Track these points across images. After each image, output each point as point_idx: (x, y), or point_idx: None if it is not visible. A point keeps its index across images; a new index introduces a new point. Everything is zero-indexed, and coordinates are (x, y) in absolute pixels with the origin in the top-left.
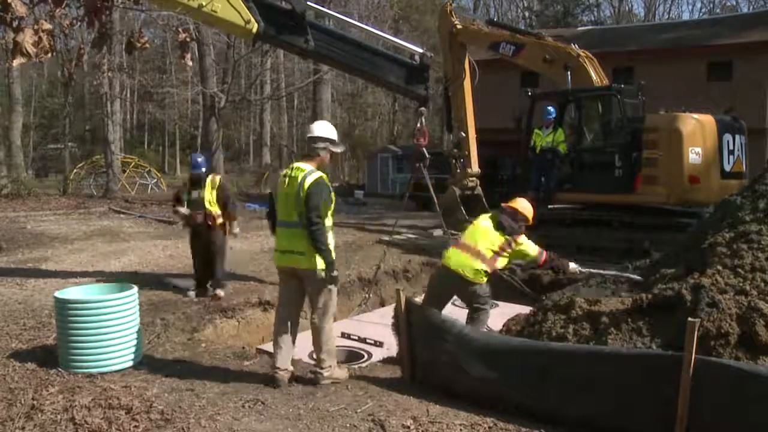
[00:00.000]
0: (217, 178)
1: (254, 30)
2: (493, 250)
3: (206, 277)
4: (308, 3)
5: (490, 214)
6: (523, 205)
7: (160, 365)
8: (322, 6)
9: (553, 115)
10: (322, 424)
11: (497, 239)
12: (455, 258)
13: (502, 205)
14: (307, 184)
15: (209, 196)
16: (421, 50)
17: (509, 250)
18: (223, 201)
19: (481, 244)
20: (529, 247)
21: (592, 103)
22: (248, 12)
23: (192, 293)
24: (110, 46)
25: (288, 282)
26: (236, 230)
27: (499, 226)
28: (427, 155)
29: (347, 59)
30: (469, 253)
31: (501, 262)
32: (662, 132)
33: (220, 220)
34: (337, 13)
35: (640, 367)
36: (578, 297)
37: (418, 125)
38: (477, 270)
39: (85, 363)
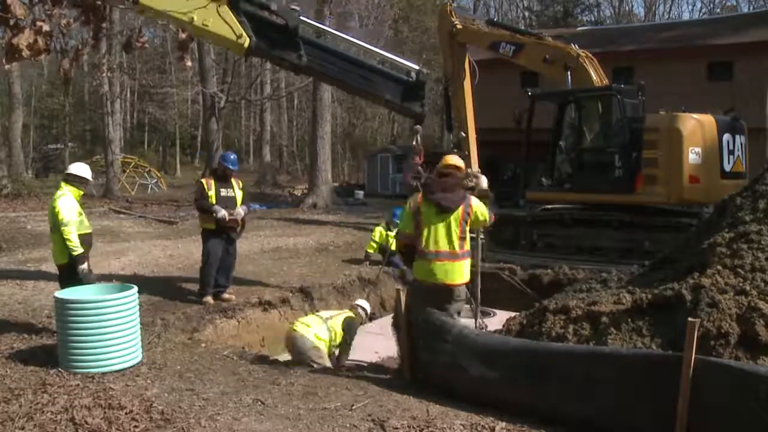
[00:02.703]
0: (240, 182)
1: (246, 45)
2: (458, 240)
3: (222, 280)
4: (302, 18)
5: (421, 202)
6: (452, 161)
7: (160, 365)
8: (323, 7)
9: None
10: (322, 424)
11: (453, 226)
12: (435, 269)
13: (430, 178)
14: None
15: (240, 196)
16: (416, 67)
17: (467, 227)
18: (245, 202)
19: (448, 243)
20: (481, 208)
21: (592, 103)
22: (240, 27)
23: (210, 298)
24: (110, 46)
25: None
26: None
27: (442, 210)
28: (423, 174)
29: (341, 75)
30: (444, 259)
31: (467, 243)
32: (662, 132)
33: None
34: (337, 14)
35: (640, 367)
36: (575, 298)
37: (414, 143)
38: (462, 272)
39: (85, 363)
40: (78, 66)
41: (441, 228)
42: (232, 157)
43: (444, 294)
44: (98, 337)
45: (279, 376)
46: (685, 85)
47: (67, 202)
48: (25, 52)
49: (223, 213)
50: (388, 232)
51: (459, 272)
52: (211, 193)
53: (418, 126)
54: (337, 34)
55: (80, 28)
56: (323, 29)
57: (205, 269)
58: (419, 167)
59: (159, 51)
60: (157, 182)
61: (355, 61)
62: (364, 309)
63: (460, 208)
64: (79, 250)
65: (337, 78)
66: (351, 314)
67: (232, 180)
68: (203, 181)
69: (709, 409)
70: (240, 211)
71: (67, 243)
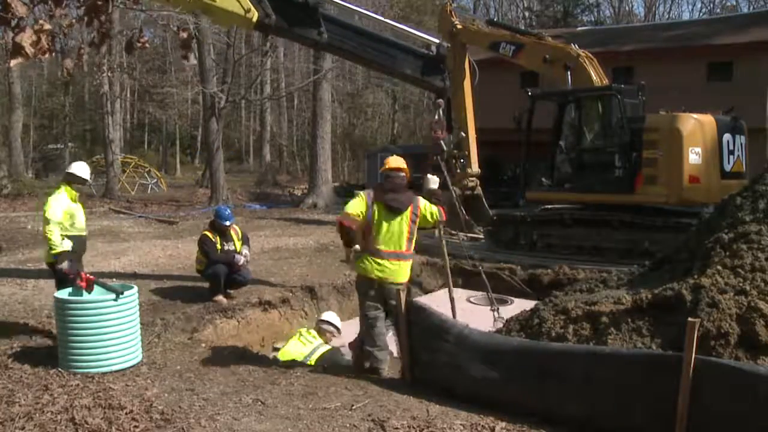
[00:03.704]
0: (238, 228)
1: (254, 19)
2: (405, 242)
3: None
4: None
5: (374, 200)
6: (394, 164)
7: (160, 365)
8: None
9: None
10: (322, 424)
11: (402, 227)
12: (381, 267)
13: (378, 187)
14: None
15: (239, 247)
16: (437, 40)
17: (415, 227)
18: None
19: (396, 244)
20: (429, 208)
21: (592, 103)
22: (248, 1)
23: (221, 297)
24: (110, 46)
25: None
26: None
27: (392, 212)
28: (445, 147)
29: (362, 51)
30: (391, 259)
31: (413, 244)
32: (662, 132)
33: None
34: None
35: (640, 367)
36: (576, 297)
37: (436, 117)
38: (405, 272)
39: (85, 363)
40: (80, 65)
41: (390, 229)
42: (226, 212)
43: (387, 292)
44: (98, 337)
45: (279, 376)
46: (685, 85)
47: (58, 200)
48: (30, 50)
49: (243, 261)
50: None
51: (403, 272)
52: (217, 246)
53: (440, 100)
54: (357, 9)
55: (81, 29)
56: (343, 5)
57: (213, 279)
58: (441, 141)
59: (159, 51)
60: (157, 182)
61: (376, 37)
62: (330, 323)
63: (409, 209)
64: (58, 248)
65: (358, 54)
66: (327, 346)
67: (231, 232)
68: (209, 235)
69: (709, 409)
70: (245, 255)
71: (48, 242)
